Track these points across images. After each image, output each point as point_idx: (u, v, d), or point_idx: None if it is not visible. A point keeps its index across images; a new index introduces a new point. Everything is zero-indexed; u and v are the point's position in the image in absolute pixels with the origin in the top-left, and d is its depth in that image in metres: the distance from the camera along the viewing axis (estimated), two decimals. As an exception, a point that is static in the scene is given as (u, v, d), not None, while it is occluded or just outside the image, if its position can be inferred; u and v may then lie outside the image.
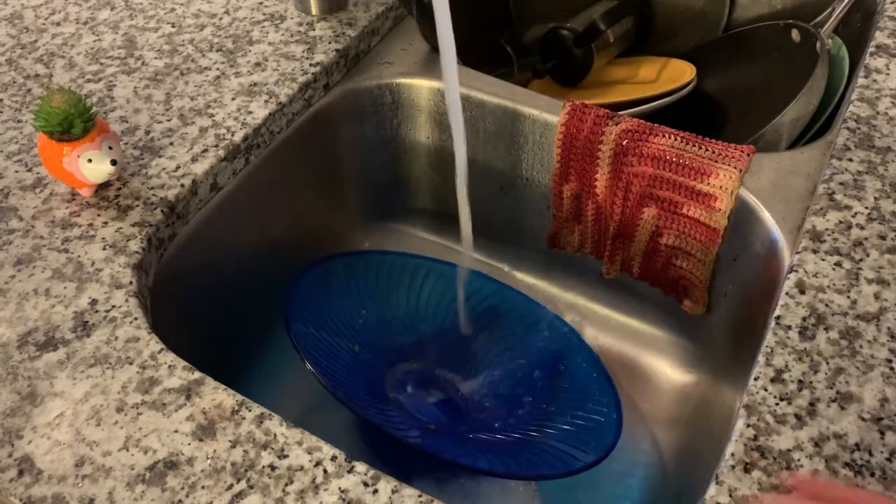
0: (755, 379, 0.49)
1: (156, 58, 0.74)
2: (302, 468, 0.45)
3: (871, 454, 0.45)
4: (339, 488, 0.44)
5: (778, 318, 0.52)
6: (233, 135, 0.66)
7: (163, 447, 0.46)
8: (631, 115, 0.70)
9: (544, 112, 0.72)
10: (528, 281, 0.85)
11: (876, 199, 0.59)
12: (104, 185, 0.61)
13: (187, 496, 0.43)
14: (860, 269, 0.55)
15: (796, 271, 0.55)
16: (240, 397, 0.48)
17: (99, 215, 0.59)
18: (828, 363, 0.50)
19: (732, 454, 0.45)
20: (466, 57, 0.80)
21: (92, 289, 0.54)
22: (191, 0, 0.81)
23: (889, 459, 0.45)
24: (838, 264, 0.55)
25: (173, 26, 0.78)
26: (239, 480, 0.44)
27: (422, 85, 0.76)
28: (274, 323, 0.77)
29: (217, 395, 0.48)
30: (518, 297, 0.78)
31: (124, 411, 0.47)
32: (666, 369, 0.77)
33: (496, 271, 0.85)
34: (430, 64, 0.77)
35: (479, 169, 0.79)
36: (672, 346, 0.78)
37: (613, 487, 0.68)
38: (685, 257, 0.70)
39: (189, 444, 0.46)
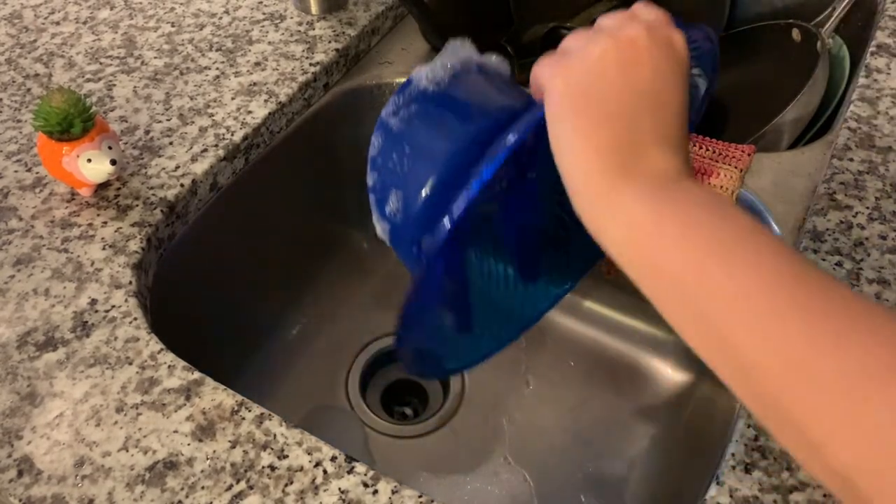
0: (756, 379, 0.49)
1: (155, 57, 0.74)
2: (302, 469, 0.45)
3: (871, 454, 0.45)
4: (339, 489, 0.44)
5: (778, 318, 0.52)
6: (232, 134, 0.66)
7: (162, 447, 0.46)
8: (631, 115, 0.70)
9: (544, 112, 0.72)
10: (528, 281, 0.84)
11: (877, 199, 0.59)
12: (104, 185, 0.61)
13: (187, 496, 0.43)
14: (861, 269, 0.55)
15: (797, 271, 0.55)
16: (240, 397, 0.48)
17: (98, 215, 0.59)
18: (828, 363, 0.49)
19: (733, 454, 0.45)
20: (466, 57, 0.79)
21: (92, 289, 0.54)
22: (190, 0, 0.81)
23: (890, 460, 0.45)
24: (839, 264, 0.55)
25: (173, 26, 0.78)
26: (239, 481, 0.44)
27: (422, 85, 0.76)
28: (274, 323, 0.77)
29: (217, 395, 0.48)
30: None
31: (124, 411, 0.47)
32: (666, 369, 0.77)
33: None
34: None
35: (480, 169, 0.79)
36: (672, 346, 0.78)
37: (614, 487, 0.68)
38: (685, 257, 0.70)
39: (189, 444, 0.46)
